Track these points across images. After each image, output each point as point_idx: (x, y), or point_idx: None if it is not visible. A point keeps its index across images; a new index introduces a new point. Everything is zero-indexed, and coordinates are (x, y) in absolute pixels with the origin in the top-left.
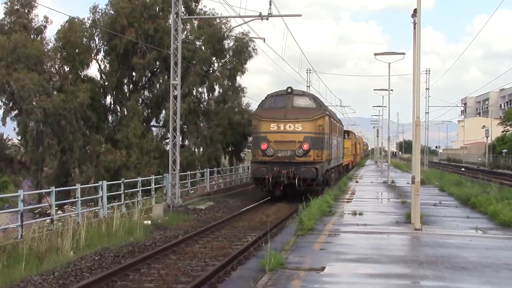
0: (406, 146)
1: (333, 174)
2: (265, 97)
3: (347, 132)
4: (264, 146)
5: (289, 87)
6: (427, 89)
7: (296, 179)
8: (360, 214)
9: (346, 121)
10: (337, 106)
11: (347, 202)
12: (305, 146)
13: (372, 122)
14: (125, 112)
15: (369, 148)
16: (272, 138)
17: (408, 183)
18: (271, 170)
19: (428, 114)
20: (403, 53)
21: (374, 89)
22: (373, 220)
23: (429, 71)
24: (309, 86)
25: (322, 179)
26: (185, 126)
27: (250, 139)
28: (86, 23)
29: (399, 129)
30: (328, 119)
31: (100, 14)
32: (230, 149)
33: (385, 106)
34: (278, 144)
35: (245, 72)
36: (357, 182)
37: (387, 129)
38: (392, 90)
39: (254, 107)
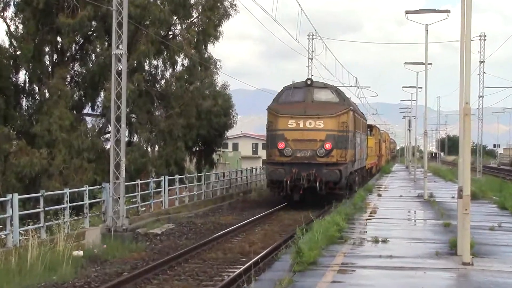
0: (450, 145)
1: (357, 177)
2: (282, 90)
3: (370, 127)
4: (281, 145)
5: (309, 79)
6: (481, 62)
7: (318, 182)
8: (384, 241)
9: (365, 108)
10: (351, 86)
11: (365, 224)
12: (328, 145)
13: (402, 110)
14: (47, 95)
15: (397, 147)
16: (290, 136)
17: (453, 197)
18: (289, 172)
19: (482, 98)
20: (447, 11)
21: (405, 63)
22: (403, 250)
23: (485, 36)
24: (311, 58)
25: (346, 182)
26: (133, 115)
27: (226, 134)
28: None
29: (440, 120)
30: (352, 115)
31: None
32: (198, 149)
33: (420, 88)
34: (297, 143)
35: (219, 38)
36: (379, 195)
37: (422, 120)
38: (430, 64)
39: (233, 87)
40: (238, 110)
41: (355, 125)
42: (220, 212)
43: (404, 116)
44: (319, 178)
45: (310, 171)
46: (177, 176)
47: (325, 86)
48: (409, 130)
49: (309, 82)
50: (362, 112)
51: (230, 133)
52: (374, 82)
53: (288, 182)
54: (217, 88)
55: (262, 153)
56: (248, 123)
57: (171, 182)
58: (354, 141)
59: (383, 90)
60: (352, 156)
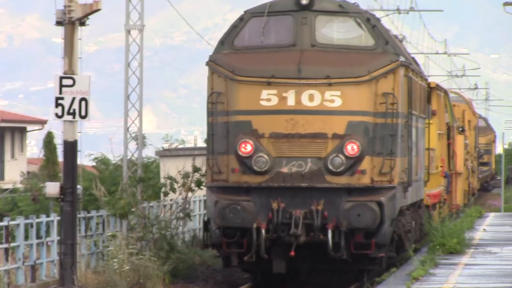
0: None
1: (412, 223)
2: (240, 17)
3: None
4: (246, 147)
5: None
6: None
7: (330, 232)
8: None
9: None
10: None
11: None
12: (352, 148)
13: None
14: None
15: (496, 147)
16: (265, 127)
17: None
18: (265, 210)
19: None
20: None
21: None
22: None
23: None
24: None
25: (391, 231)
26: None
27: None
28: None
29: None
30: (403, 76)
31: None
32: None
33: None
34: (281, 144)
35: None
36: None
37: None
38: None
39: None
40: None
41: (411, 100)
42: None
43: None
44: (334, 223)
45: (313, 207)
46: None
47: (343, 11)
48: None
49: (305, 0)
50: (418, 64)
51: None
52: None
53: (263, 232)
54: None
55: None
56: None
57: None
58: (409, 138)
59: None
60: (403, 173)
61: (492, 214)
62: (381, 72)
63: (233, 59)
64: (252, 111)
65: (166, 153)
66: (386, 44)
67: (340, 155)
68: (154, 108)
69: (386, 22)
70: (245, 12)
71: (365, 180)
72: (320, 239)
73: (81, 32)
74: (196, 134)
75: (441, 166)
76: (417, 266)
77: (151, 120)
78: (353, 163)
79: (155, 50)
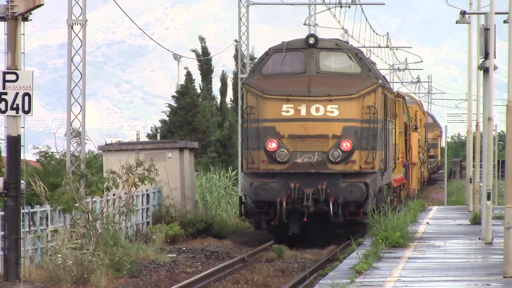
0: None
1: (388, 198)
2: (266, 52)
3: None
4: (271, 144)
5: (312, 36)
6: None
7: (331, 204)
8: None
9: None
10: None
11: None
12: (346, 145)
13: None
14: None
15: (442, 140)
16: (285, 130)
17: None
18: (285, 188)
19: None
20: None
21: None
22: None
23: None
24: None
25: (373, 203)
26: None
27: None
28: None
29: None
30: (381, 93)
31: None
32: None
33: None
34: (296, 142)
35: None
36: None
37: None
38: None
39: None
40: None
41: (386, 110)
42: None
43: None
44: (333, 197)
45: (319, 186)
46: None
47: (338, 48)
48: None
49: (312, 40)
50: (386, 80)
51: None
52: None
53: (284, 204)
54: None
55: None
56: None
57: None
58: (385, 137)
59: None
60: (381, 162)
61: (435, 208)
62: (366, 91)
63: (262, 83)
64: (276, 119)
65: (109, 148)
66: (369, 71)
67: (338, 149)
68: (96, 103)
69: (327, 16)
70: (269, 49)
71: (355, 167)
72: (324, 209)
73: (24, 27)
74: (138, 129)
75: (401, 157)
76: (361, 259)
77: (94, 115)
78: (347, 155)
79: (98, 45)
